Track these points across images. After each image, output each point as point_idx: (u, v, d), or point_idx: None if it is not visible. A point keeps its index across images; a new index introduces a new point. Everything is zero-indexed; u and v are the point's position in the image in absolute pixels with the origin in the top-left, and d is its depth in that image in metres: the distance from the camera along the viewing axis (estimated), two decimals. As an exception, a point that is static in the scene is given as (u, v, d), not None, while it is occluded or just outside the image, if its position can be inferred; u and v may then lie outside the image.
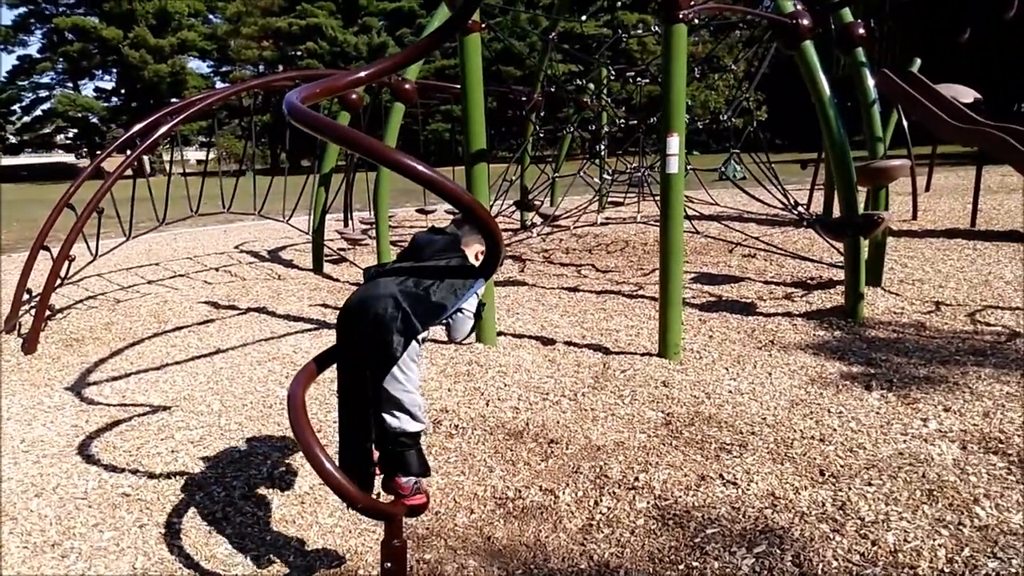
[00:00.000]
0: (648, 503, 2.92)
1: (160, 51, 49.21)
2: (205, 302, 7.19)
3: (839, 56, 6.90)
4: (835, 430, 3.48)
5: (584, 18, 9.52)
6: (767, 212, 10.03)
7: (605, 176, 9.81)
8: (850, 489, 2.91)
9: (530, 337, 5.38)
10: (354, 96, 8.03)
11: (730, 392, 4.08)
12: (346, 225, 10.59)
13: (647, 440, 3.50)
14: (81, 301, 7.38)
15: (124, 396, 4.55)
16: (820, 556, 2.50)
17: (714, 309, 5.94)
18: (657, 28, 8.94)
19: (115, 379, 4.91)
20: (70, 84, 52.63)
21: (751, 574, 2.44)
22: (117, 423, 4.06)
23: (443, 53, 36.00)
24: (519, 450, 3.47)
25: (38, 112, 52.62)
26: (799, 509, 2.80)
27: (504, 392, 4.24)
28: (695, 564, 2.51)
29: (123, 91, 52.53)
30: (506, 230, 10.16)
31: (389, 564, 2.35)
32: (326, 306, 6.80)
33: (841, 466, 3.12)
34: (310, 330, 5.94)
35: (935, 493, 2.84)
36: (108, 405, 4.39)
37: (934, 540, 2.54)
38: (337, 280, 8.19)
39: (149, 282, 8.44)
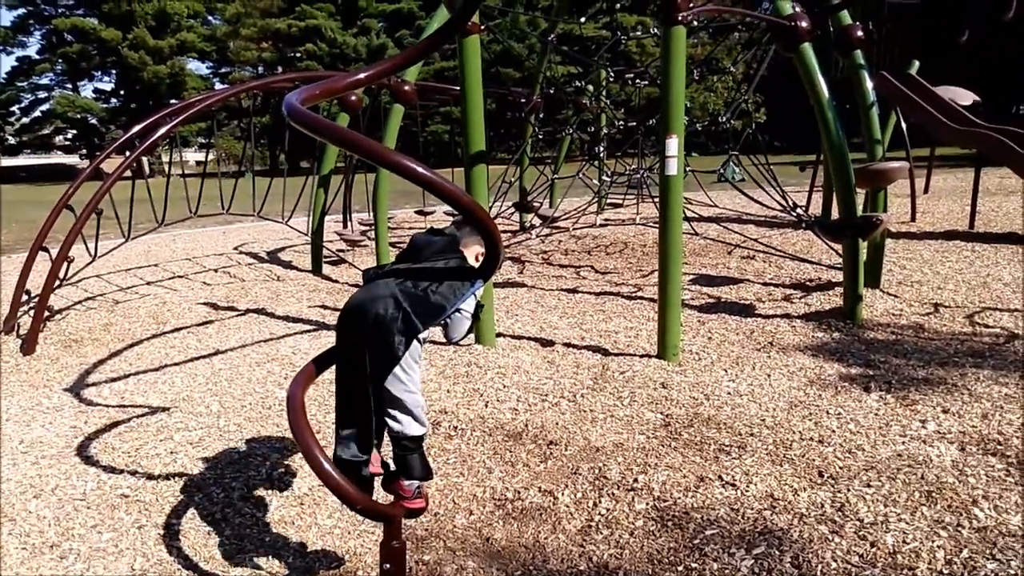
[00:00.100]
0: (647, 504, 2.93)
1: (159, 52, 49.17)
2: (204, 303, 7.19)
3: (838, 58, 6.91)
4: (834, 431, 3.49)
5: (583, 20, 9.57)
6: (766, 214, 10.03)
7: (604, 178, 9.82)
8: (849, 490, 2.91)
9: (529, 338, 5.38)
10: (353, 98, 8.02)
11: (729, 393, 4.08)
12: (345, 226, 10.59)
13: (646, 441, 3.50)
14: (80, 302, 7.37)
15: (123, 397, 4.55)
16: (819, 557, 2.50)
17: (713, 311, 5.95)
18: (656, 30, 8.96)
19: (114, 380, 4.91)
20: (69, 85, 52.56)
21: (750, 575, 2.45)
22: (116, 424, 4.06)
23: (442, 55, 36.07)
24: (518, 451, 3.48)
25: (37, 113, 52.63)
26: (798, 510, 2.80)
27: (503, 393, 4.24)
28: (694, 565, 2.52)
29: (122, 92, 52.46)
30: (505, 231, 10.16)
31: (388, 565, 2.36)
32: (325, 307, 6.80)
33: (840, 467, 3.12)
34: (309, 331, 5.94)
35: (934, 494, 2.84)
36: (107, 406, 4.39)
37: (933, 541, 2.54)
38: (336, 281, 8.19)
39: (148, 283, 8.44)
